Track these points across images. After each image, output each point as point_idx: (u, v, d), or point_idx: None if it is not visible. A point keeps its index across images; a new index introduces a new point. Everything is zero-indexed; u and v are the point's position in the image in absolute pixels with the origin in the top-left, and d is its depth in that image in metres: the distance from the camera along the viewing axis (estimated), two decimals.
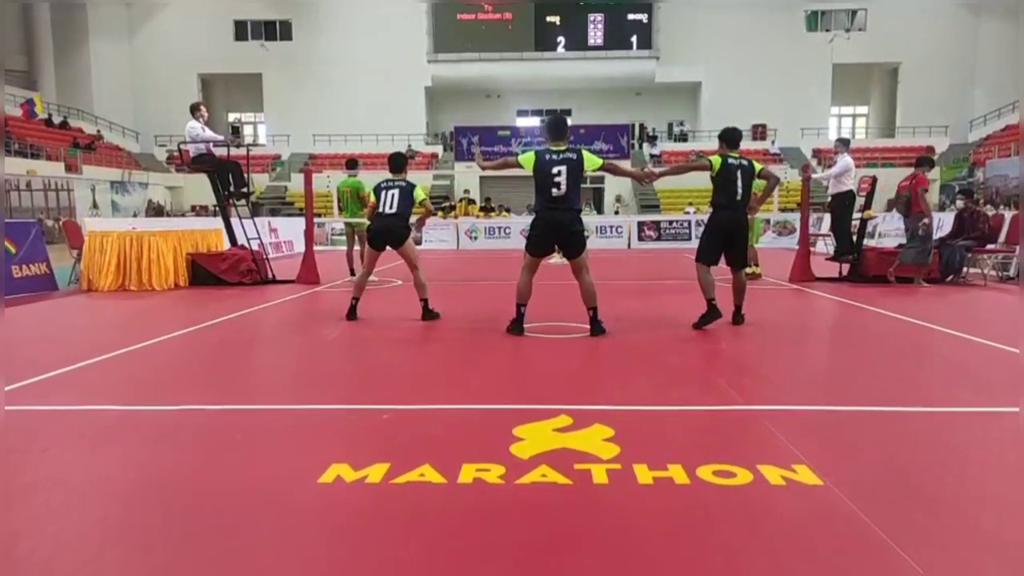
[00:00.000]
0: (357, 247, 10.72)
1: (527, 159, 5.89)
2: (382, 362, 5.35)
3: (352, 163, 11.14)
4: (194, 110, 10.61)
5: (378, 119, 33.15)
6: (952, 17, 32.63)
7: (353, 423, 3.74)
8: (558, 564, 2.20)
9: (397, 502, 2.65)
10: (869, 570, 2.15)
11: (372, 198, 6.96)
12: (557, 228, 5.87)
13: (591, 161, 5.87)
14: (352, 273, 10.82)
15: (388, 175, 7.05)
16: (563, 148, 5.83)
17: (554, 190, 5.74)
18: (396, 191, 6.76)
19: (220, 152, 10.68)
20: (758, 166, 6.48)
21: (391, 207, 6.71)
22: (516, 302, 6.06)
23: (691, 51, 33.70)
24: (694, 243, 19.09)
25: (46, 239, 10.94)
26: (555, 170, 5.71)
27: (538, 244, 6.00)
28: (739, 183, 6.22)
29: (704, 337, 6.06)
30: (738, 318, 6.53)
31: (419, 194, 6.83)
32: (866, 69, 35.01)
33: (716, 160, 6.28)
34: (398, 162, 7.13)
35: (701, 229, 16.64)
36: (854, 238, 10.15)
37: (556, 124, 5.98)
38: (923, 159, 10.11)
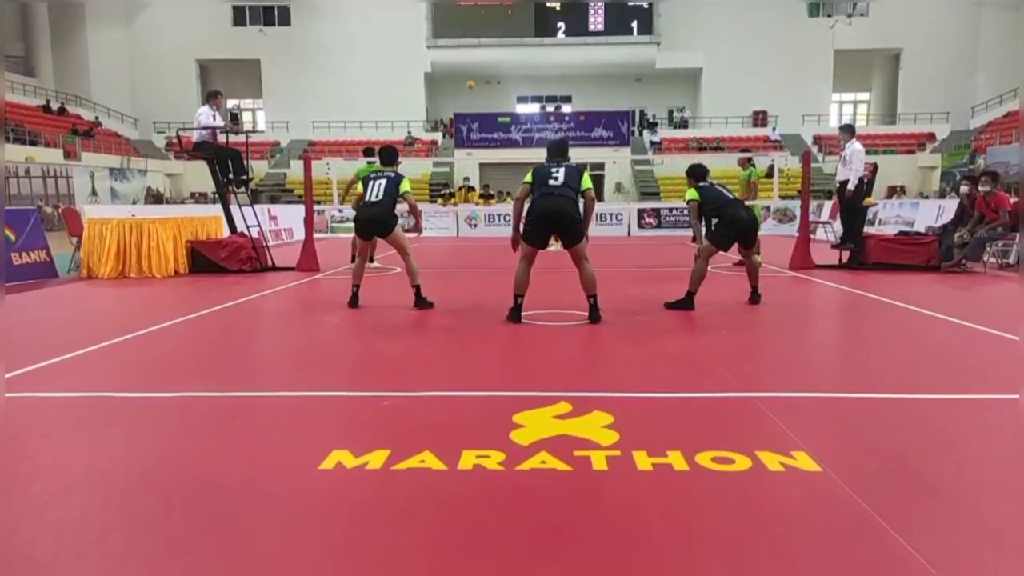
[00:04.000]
0: None
1: (528, 176, 6.05)
2: (382, 349, 5.35)
3: (370, 151, 11.18)
4: (210, 97, 10.61)
5: (377, 105, 32.99)
6: (954, 3, 32.36)
7: (354, 410, 3.75)
8: (558, 550, 2.21)
9: (398, 488, 2.66)
10: (868, 557, 2.16)
11: (359, 188, 7.01)
12: (554, 215, 5.84)
13: (584, 181, 5.99)
14: (372, 260, 10.91)
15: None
16: (558, 162, 6.09)
17: (551, 181, 5.88)
18: (384, 180, 6.78)
19: (220, 139, 10.66)
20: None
21: (377, 195, 6.72)
22: (514, 293, 6.06)
23: (692, 37, 33.49)
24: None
25: (45, 226, 10.94)
26: (554, 171, 5.94)
27: (535, 232, 5.95)
28: (724, 190, 6.91)
29: (703, 324, 6.08)
30: (755, 297, 7.06)
31: (404, 185, 6.81)
32: (867, 55, 34.79)
33: (693, 193, 6.86)
34: (389, 155, 7.18)
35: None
36: (865, 228, 10.08)
37: (559, 144, 6.31)
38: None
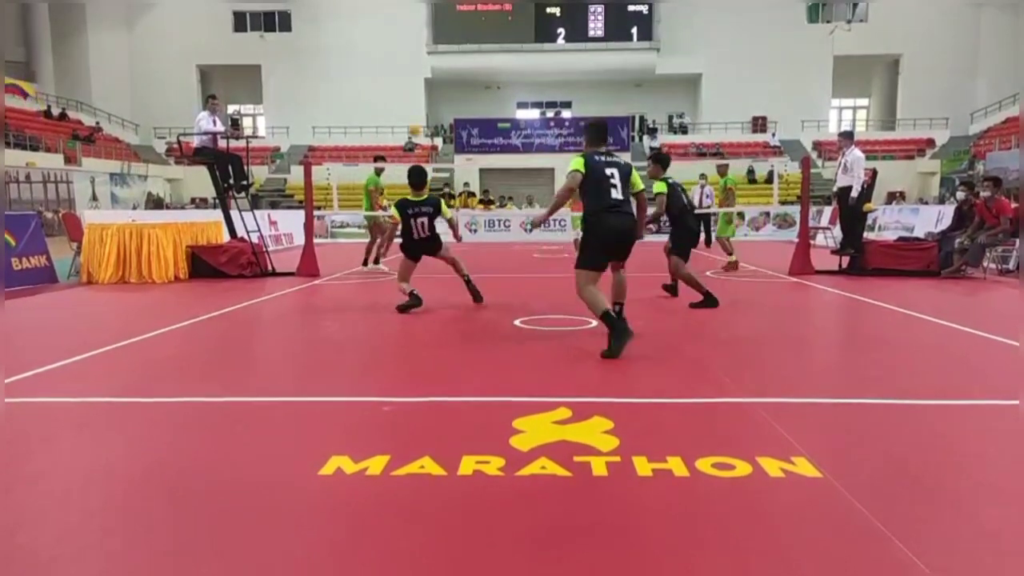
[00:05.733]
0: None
1: (577, 163, 5.12)
2: (382, 355, 5.35)
3: (379, 157, 11.43)
4: (207, 102, 10.80)
5: (378, 111, 33.02)
6: (953, 8, 32.46)
7: (353, 415, 3.75)
8: (557, 555, 2.20)
9: (397, 494, 2.66)
10: (867, 561, 2.16)
11: (396, 214, 7.10)
12: (624, 236, 5.14)
13: (636, 181, 5.34)
14: (366, 264, 11.17)
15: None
16: (605, 151, 5.34)
17: (613, 192, 5.07)
18: (426, 219, 6.98)
19: (220, 144, 10.69)
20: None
21: (424, 232, 7.01)
22: (600, 315, 5.08)
23: (692, 43, 33.56)
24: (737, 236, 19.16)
25: (46, 231, 10.94)
26: (608, 171, 5.12)
27: (602, 254, 5.15)
28: (684, 196, 6.99)
29: (703, 329, 6.08)
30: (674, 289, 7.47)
31: (446, 212, 7.11)
32: (867, 61, 34.87)
33: (662, 186, 6.80)
34: (419, 177, 7.12)
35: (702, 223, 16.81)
36: (866, 233, 10.15)
37: (601, 128, 5.47)
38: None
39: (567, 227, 18.02)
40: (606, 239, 5.11)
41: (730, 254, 10.92)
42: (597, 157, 5.18)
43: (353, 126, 33.27)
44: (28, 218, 10.20)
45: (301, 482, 2.77)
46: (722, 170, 12.16)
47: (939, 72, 32.65)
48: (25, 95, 26.63)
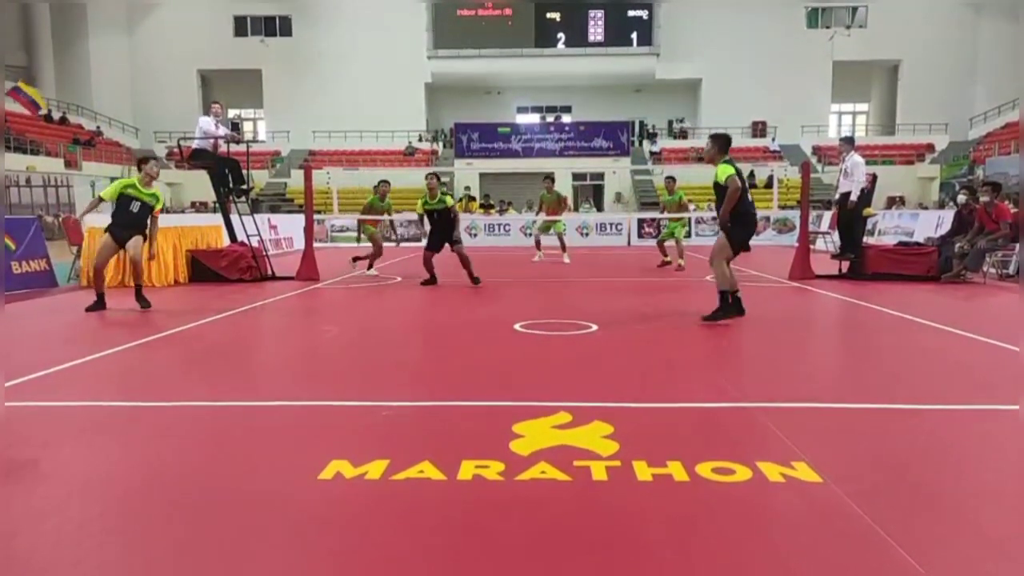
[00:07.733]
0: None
1: (730, 170, 6.20)
2: (382, 359, 5.35)
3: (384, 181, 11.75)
4: (209, 107, 10.93)
5: (378, 116, 33.08)
6: (953, 14, 32.53)
7: (353, 419, 3.74)
8: (557, 561, 2.20)
9: (397, 499, 2.66)
10: (868, 567, 2.15)
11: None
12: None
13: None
14: (369, 268, 11.35)
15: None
16: None
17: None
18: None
19: (221, 149, 10.71)
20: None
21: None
22: (731, 290, 6.30)
23: (691, 48, 33.63)
24: (693, 239, 19.23)
25: (45, 235, 10.95)
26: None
27: (745, 244, 6.46)
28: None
29: (704, 334, 6.07)
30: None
31: None
32: (866, 66, 34.93)
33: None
34: None
35: (701, 226, 17.62)
36: (866, 238, 10.18)
37: (730, 139, 6.59)
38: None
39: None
40: (751, 234, 6.44)
41: (680, 256, 11.69)
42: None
43: (353, 130, 33.33)
44: (28, 222, 10.20)
45: (301, 486, 2.76)
46: (670, 186, 12.70)
47: (938, 77, 32.71)
48: (36, 108, 26.38)
